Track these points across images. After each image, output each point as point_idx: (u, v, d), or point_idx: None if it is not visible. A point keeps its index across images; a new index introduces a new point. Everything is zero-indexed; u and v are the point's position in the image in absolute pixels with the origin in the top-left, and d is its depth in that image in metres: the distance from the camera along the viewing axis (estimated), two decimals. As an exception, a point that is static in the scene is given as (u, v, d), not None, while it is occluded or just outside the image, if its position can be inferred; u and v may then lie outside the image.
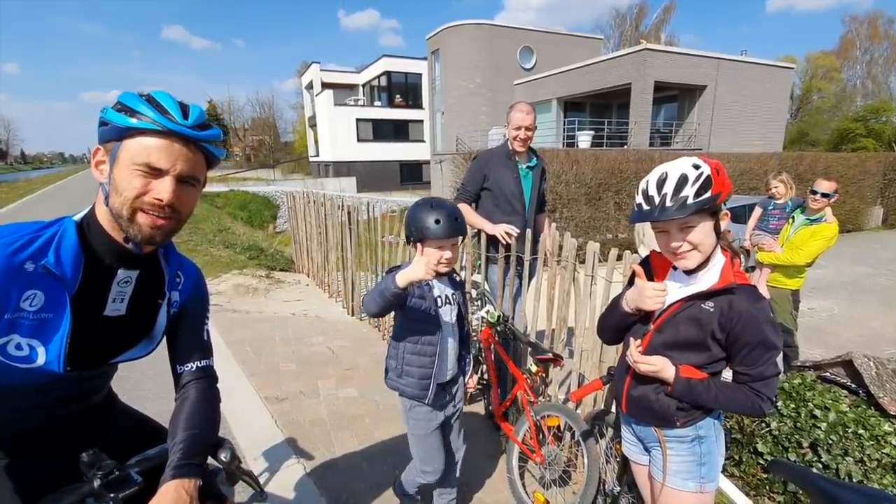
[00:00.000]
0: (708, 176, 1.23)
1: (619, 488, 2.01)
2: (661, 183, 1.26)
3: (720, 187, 1.24)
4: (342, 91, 32.26)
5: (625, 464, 1.93)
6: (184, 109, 0.99)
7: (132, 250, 1.03)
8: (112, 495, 0.96)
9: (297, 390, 3.43)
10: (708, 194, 1.22)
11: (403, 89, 31.16)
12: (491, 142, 15.28)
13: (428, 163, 26.44)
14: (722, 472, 2.57)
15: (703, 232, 1.27)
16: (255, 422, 2.98)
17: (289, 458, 2.63)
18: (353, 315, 5.12)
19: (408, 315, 1.80)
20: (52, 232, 0.95)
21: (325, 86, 31.99)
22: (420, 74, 29.67)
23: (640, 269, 1.42)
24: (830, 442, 2.28)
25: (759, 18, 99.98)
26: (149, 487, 1.01)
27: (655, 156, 11.17)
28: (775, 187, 4.23)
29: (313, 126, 35.04)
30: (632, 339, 1.43)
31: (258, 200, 19.00)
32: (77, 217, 1.01)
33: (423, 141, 30.01)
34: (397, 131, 30.89)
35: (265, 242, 10.57)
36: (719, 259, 1.34)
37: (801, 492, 2.30)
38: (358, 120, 29.78)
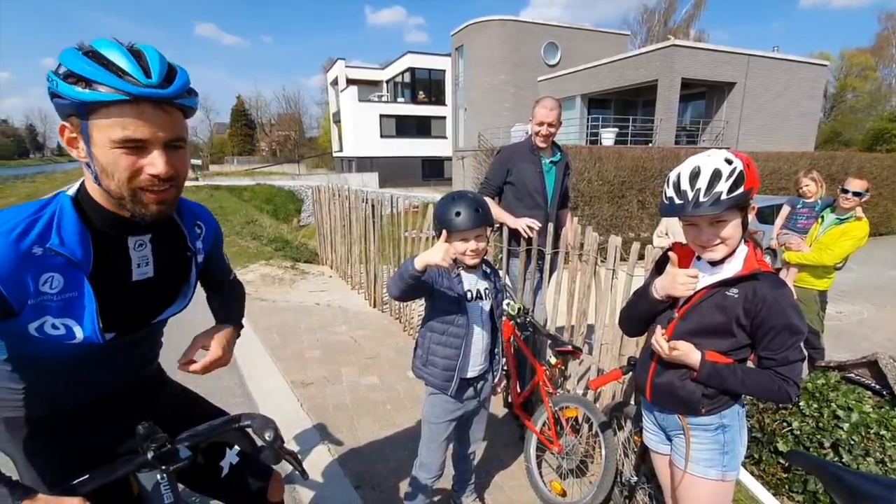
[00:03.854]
0: (741, 171, 1.25)
1: (636, 478, 2.05)
2: (693, 177, 1.27)
3: (752, 182, 1.26)
4: (366, 87, 32.48)
5: (643, 454, 1.96)
6: (142, 64, 0.86)
7: (138, 220, 0.99)
8: (164, 468, 1.01)
9: (322, 376, 3.54)
10: (741, 190, 1.24)
11: (427, 85, 31.22)
12: (513, 139, 15.22)
13: (450, 159, 26.47)
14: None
15: (733, 226, 1.30)
16: (282, 405, 3.10)
17: (314, 439, 2.74)
18: (374, 307, 5.22)
19: (435, 305, 1.80)
20: (49, 212, 0.91)
21: (349, 82, 32.28)
22: (444, 71, 29.67)
23: (675, 256, 1.43)
24: (852, 442, 2.27)
25: (792, 14, 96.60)
26: (194, 463, 1.07)
27: (681, 154, 10.98)
28: (806, 185, 4.14)
29: (337, 122, 35.41)
30: (658, 327, 1.46)
31: (283, 194, 19.34)
32: (71, 192, 0.96)
33: (445, 137, 30.04)
34: (420, 127, 31.00)
35: (290, 235, 10.80)
36: (742, 248, 1.37)
37: (820, 491, 2.29)
38: (381, 116, 29.98)
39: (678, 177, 1.31)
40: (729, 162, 1.26)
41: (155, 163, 0.89)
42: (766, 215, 7.60)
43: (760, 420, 2.62)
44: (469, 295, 1.80)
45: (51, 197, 0.94)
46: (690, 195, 1.27)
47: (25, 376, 1.01)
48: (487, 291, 1.86)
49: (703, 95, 17.35)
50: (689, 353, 1.36)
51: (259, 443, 1.17)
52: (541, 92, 20.10)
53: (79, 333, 0.94)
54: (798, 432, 2.45)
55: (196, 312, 1.44)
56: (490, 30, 20.77)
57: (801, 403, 2.50)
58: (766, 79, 16.54)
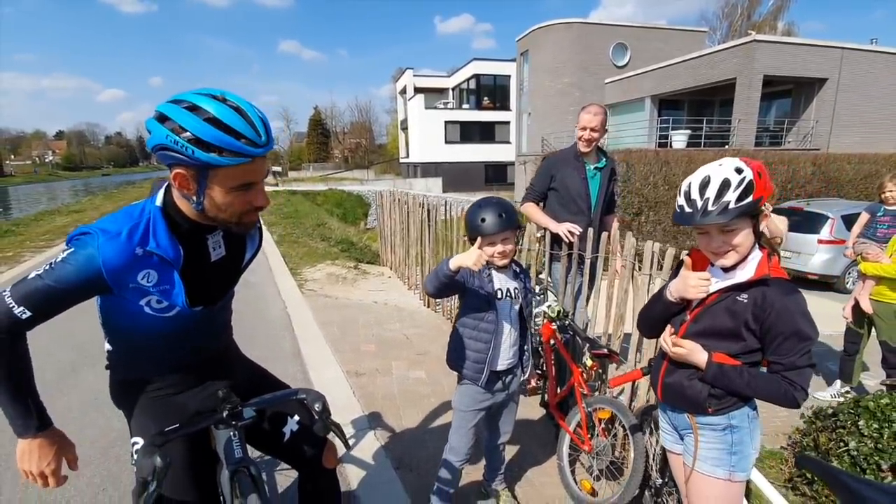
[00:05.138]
0: (750, 181, 1.28)
1: (661, 480, 2.07)
2: (703, 186, 1.32)
3: (762, 191, 1.29)
4: (433, 95, 33.30)
5: (665, 455, 1.99)
6: (249, 121, 1.03)
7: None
8: (234, 423, 1.25)
9: (374, 368, 3.81)
10: (749, 199, 1.27)
11: (492, 91, 31.44)
12: (577, 143, 14.94)
13: (513, 164, 26.42)
14: (794, 490, 2.50)
15: (742, 234, 1.34)
16: (337, 391, 3.39)
17: (362, 423, 2.99)
18: (428, 306, 5.45)
19: (468, 302, 1.96)
20: (145, 220, 1.11)
21: (417, 90, 33.25)
22: (508, 76, 29.73)
23: (688, 260, 1.48)
24: (912, 465, 2.12)
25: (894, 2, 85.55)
26: (262, 428, 1.34)
27: (760, 156, 10.29)
28: (890, 191, 3.83)
29: (405, 129, 36.58)
30: (668, 327, 1.52)
31: (352, 199, 20.35)
32: (158, 202, 1.15)
33: (508, 142, 30.04)
34: (484, 133, 31.25)
35: (356, 237, 11.39)
36: (756, 255, 1.39)
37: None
38: (446, 122, 30.59)
39: (689, 186, 1.36)
40: (739, 171, 1.30)
41: (259, 197, 1.14)
42: (853, 222, 6.98)
43: (815, 439, 2.51)
44: (499, 293, 1.93)
45: (141, 205, 1.15)
46: (699, 204, 1.31)
47: (136, 345, 1.28)
48: (517, 291, 1.98)
49: (790, 93, 16.04)
50: (695, 351, 1.41)
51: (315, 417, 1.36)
52: (608, 94, 19.59)
53: (173, 310, 1.18)
54: (855, 453, 2.33)
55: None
56: (555, 33, 20.54)
57: (861, 423, 2.37)
58: (863, 74, 15.02)
